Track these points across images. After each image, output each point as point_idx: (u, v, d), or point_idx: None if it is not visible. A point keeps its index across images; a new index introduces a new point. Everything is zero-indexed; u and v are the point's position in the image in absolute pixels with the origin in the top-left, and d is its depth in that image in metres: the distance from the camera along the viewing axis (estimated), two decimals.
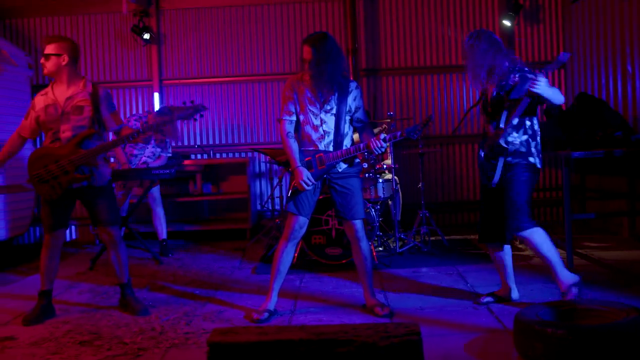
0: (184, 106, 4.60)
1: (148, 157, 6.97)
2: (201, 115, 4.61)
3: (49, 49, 4.56)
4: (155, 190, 7.06)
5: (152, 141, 6.99)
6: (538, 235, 4.24)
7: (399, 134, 4.35)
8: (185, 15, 8.95)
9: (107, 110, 4.65)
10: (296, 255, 6.09)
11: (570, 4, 8.34)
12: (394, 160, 6.69)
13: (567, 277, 4.25)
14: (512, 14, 8.37)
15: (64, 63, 4.57)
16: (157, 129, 4.76)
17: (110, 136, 4.87)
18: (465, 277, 5.43)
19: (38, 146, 7.28)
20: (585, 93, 6.87)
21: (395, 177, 7.16)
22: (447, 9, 8.80)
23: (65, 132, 4.53)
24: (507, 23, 8.44)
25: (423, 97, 8.84)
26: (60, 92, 4.60)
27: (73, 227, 8.72)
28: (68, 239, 8.35)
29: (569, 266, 5.41)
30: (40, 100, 4.62)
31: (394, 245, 6.56)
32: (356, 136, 5.78)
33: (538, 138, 4.33)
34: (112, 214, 4.76)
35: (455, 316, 4.31)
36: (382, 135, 4.32)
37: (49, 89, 4.65)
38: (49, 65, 4.57)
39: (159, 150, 7.05)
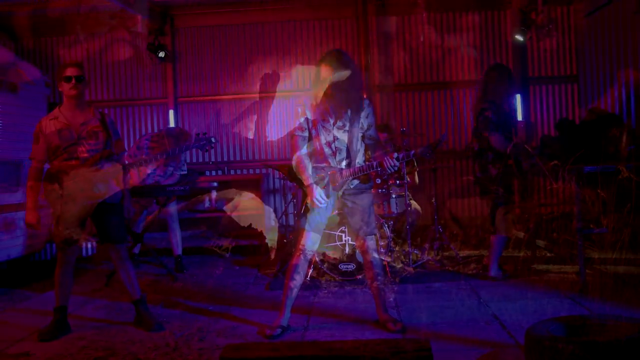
0: (197, 137, 4.71)
1: (160, 175, 7.02)
2: (211, 147, 4.72)
3: (80, 71, 4.67)
4: (172, 207, 7.12)
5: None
6: None
7: (412, 153, 4.38)
8: (200, 33, 9.08)
9: (112, 138, 4.79)
10: (310, 271, 6.12)
11: (582, 17, 8.35)
12: (405, 176, 6.66)
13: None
14: (525, 29, 8.39)
15: (86, 87, 4.80)
16: (159, 157, 4.93)
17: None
18: (477, 292, 5.43)
19: None
20: (598, 106, 6.86)
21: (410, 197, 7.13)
22: (459, 25, 8.84)
23: (82, 153, 4.64)
24: (519, 38, 8.46)
25: (436, 112, 8.88)
26: (72, 116, 4.70)
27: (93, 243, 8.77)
28: (86, 254, 8.42)
29: (581, 280, 5.40)
30: (49, 125, 4.68)
31: (407, 260, 6.56)
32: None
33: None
34: (121, 232, 4.84)
35: (467, 331, 4.31)
36: (396, 154, 4.33)
37: (57, 112, 4.73)
38: (82, 87, 4.69)
39: (171, 168, 7.11)
